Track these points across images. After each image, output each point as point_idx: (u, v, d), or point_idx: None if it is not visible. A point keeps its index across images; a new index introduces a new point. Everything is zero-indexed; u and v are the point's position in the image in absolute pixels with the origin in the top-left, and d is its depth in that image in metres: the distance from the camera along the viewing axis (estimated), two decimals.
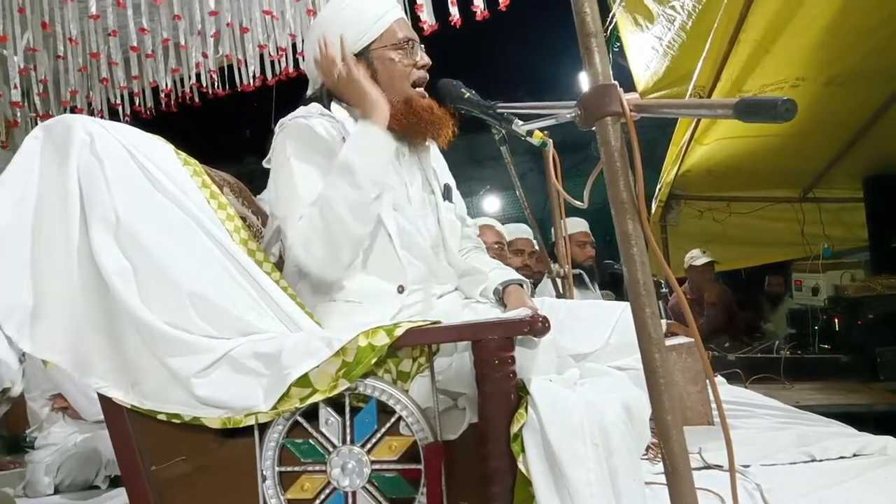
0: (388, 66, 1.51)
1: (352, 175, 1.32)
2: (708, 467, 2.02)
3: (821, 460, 2.07)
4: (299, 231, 1.33)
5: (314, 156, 1.41)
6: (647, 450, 2.11)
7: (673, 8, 3.87)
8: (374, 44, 1.51)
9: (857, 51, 3.61)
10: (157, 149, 1.33)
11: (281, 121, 1.51)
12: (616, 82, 0.92)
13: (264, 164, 1.53)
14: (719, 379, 3.49)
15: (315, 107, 1.52)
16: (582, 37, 0.94)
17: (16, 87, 3.50)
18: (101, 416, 2.59)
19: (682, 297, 0.96)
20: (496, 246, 3.32)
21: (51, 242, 1.16)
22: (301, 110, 1.52)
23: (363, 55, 1.51)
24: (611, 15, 4.34)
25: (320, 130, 1.46)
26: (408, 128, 1.52)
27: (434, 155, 1.67)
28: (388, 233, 1.44)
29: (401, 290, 1.43)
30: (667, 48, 4.14)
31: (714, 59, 3.64)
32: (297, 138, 1.44)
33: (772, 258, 5.78)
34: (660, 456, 2.14)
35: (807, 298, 4.44)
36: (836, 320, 4.13)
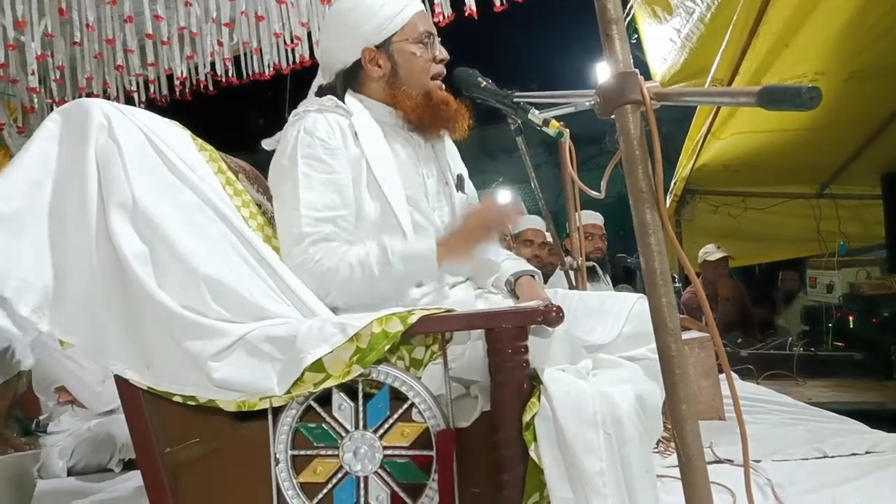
0: (409, 59, 1.51)
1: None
2: (719, 461, 2.02)
3: (833, 457, 2.07)
4: (307, 258, 1.35)
5: (323, 157, 1.41)
6: (657, 443, 2.11)
7: (692, 0, 3.83)
8: (394, 36, 1.50)
9: (878, 46, 3.56)
10: (174, 134, 1.33)
11: (296, 111, 1.50)
12: (636, 70, 0.91)
13: (267, 145, 1.52)
14: (732, 375, 3.47)
15: (330, 99, 1.50)
16: (603, 24, 0.93)
17: (33, 72, 3.52)
18: (108, 407, 2.63)
19: (699, 287, 0.96)
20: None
21: (68, 225, 1.17)
22: (315, 102, 1.51)
23: (383, 47, 1.50)
24: (629, 6, 4.30)
25: (333, 126, 1.45)
26: (427, 121, 1.52)
27: (447, 145, 1.66)
28: (403, 230, 1.43)
29: (418, 284, 1.44)
30: (685, 40, 4.10)
31: (733, 52, 3.60)
32: (309, 134, 1.42)
33: (787, 254, 5.75)
34: (670, 449, 2.14)
35: (821, 295, 4.41)
36: (851, 318, 4.11)
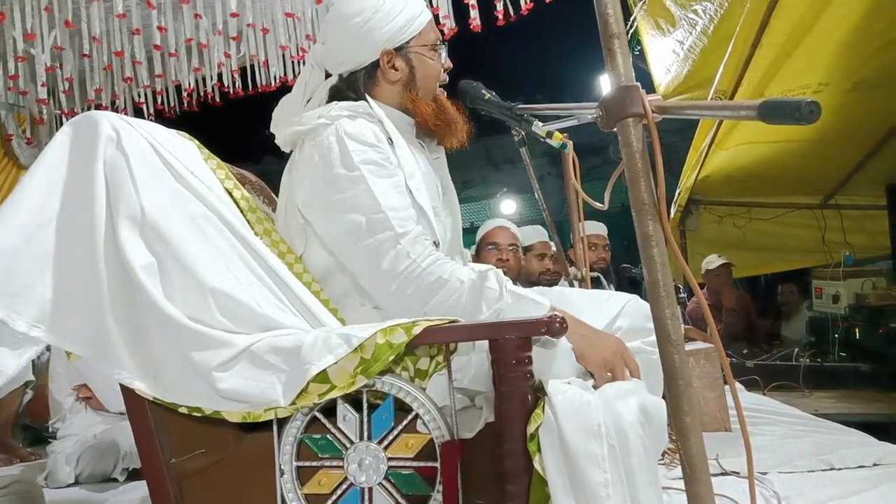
0: (426, 64, 1.51)
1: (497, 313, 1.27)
2: (725, 473, 2.01)
3: (839, 469, 2.05)
4: (413, 264, 1.29)
5: (381, 162, 1.36)
6: (662, 455, 2.10)
7: (695, 12, 3.85)
8: (412, 41, 1.50)
9: (881, 56, 3.56)
10: (182, 145, 1.35)
11: (319, 114, 1.43)
12: (638, 83, 0.92)
13: (296, 156, 1.43)
14: (737, 386, 3.46)
15: (361, 105, 1.46)
16: (605, 38, 0.94)
17: (43, 84, 3.55)
18: (124, 408, 2.64)
19: (702, 298, 0.96)
20: (510, 248, 3.31)
21: (77, 236, 1.18)
22: (346, 108, 1.44)
23: (402, 51, 1.49)
24: (632, 18, 4.32)
25: (377, 132, 1.41)
26: (441, 129, 1.52)
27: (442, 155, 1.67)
28: (436, 242, 1.40)
29: None
30: (688, 52, 4.12)
31: (736, 63, 3.61)
32: (357, 140, 1.37)
33: (792, 265, 5.73)
34: (676, 461, 2.14)
35: (827, 306, 4.40)
36: (857, 328, 4.09)
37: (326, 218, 1.38)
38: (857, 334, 4.08)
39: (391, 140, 1.42)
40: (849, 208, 5.36)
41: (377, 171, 1.35)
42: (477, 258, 3.36)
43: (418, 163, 1.47)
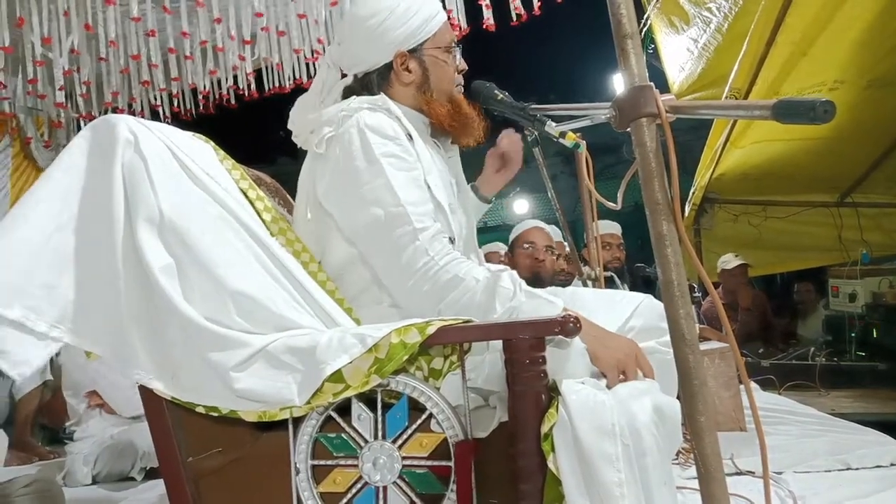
0: (439, 66, 1.51)
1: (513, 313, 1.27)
2: (740, 473, 2.01)
3: (856, 469, 2.04)
4: (431, 261, 1.30)
5: (401, 155, 1.37)
6: (677, 454, 2.10)
7: (709, 10, 3.83)
8: (426, 43, 1.50)
9: None
10: (198, 147, 1.36)
11: (340, 109, 1.43)
12: (652, 83, 0.93)
13: (315, 148, 1.42)
14: (753, 385, 3.44)
15: (381, 99, 1.46)
16: (618, 38, 0.95)
17: (61, 88, 3.59)
18: (137, 412, 2.66)
19: (716, 298, 0.96)
20: (546, 249, 3.30)
21: (95, 239, 1.20)
22: (366, 101, 1.45)
23: (416, 53, 1.50)
24: (645, 16, 4.31)
25: (396, 127, 1.41)
26: (457, 129, 1.52)
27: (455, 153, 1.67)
28: (452, 238, 1.41)
29: None
30: (702, 50, 4.10)
31: (750, 61, 3.59)
32: (377, 133, 1.37)
33: (809, 263, 5.68)
34: (690, 460, 2.13)
35: (844, 305, 4.35)
36: (874, 327, 4.05)
37: (347, 210, 1.39)
38: (874, 333, 4.05)
39: (410, 136, 1.43)
40: (865, 206, 5.31)
41: (397, 163, 1.36)
42: (510, 257, 3.37)
43: (434, 160, 1.48)
